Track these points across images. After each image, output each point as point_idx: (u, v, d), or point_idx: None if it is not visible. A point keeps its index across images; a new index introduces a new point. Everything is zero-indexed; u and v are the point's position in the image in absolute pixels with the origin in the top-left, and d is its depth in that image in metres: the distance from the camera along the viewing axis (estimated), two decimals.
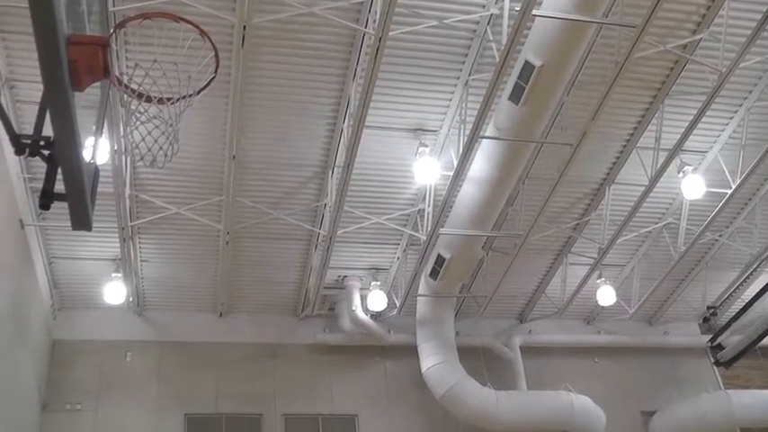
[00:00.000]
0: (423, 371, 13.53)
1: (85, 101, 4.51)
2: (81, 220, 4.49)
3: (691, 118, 10.81)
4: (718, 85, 10.14)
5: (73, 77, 3.73)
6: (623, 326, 15.78)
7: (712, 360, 14.92)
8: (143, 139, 4.05)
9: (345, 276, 14.00)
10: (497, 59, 8.94)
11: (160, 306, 14.11)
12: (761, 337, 13.56)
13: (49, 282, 12.91)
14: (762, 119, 11.66)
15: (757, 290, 14.29)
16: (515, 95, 9.35)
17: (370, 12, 8.94)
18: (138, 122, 3.96)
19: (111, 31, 4.38)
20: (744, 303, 14.51)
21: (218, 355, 13.98)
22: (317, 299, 13.98)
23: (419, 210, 12.25)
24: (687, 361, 15.84)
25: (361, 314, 13.89)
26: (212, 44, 3.81)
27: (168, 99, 3.90)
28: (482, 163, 10.58)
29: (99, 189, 4.93)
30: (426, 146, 11.01)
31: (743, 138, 11.70)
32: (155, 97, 3.88)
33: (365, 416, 14.05)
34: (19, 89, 9.47)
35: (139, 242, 12.61)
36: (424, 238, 11.96)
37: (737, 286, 15.57)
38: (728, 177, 12.01)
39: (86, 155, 4.46)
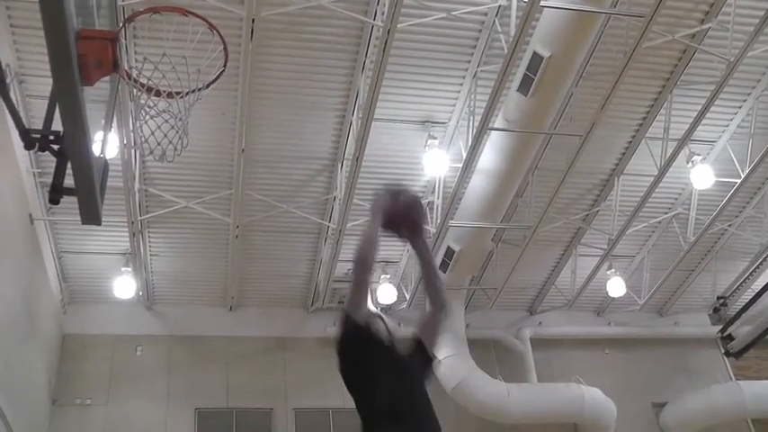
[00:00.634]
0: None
1: (95, 95, 4.52)
2: (91, 215, 4.50)
3: (699, 107, 10.77)
4: (726, 75, 10.09)
5: (82, 72, 3.73)
6: (633, 317, 15.71)
7: (723, 351, 14.83)
8: (152, 133, 4.05)
9: None
10: (506, 51, 8.92)
11: (170, 300, 14.13)
12: None
13: (58, 276, 12.95)
14: None
15: (767, 280, 14.23)
16: (524, 87, 9.33)
17: (378, 4, 8.93)
18: (147, 116, 3.95)
19: (121, 25, 4.38)
20: (754, 293, 14.40)
21: (228, 348, 13.99)
22: (326, 292, 13.97)
23: (428, 202, 12.23)
24: (697, 352, 15.77)
25: (371, 307, 13.86)
26: (221, 38, 3.81)
27: (177, 93, 3.90)
28: (491, 155, 10.55)
29: (108, 183, 4.94)
30: (435, 138, 10.99)
31: (752, 127, 11.64)
32: (164, 91, 3.87)
33: None
34: (28, 83, 9.47)
35: (149, 236, 12.64)
36: (434, 230, 11.94)
37: (747, 276, 15.49)
38: (737, 167, 11.96)
39: (96, 149, 4.47)
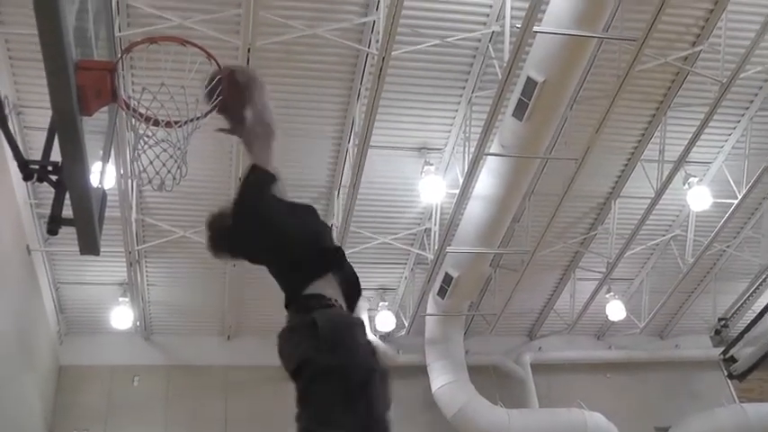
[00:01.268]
0: (433, 390, 13.44)
1: (93, 126, 4.53)
2: (89, 245, 4.49)
3: (694, 129, 10.81)
4: (719, 96, 10.16)
5: (81, 102, 3.75)
6: (634, 340, 15.63)
7: (725, 373, 14.78)
8: (151, 163, 4.05)
9: None
10: (500, 76, 8.98)
11: (168, 330, 14.06)
12: None
13: (55, 307, 12.88)
14: (764, 128, 11.65)
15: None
16: (519, 112, 9.38)
17: (372, 32, 9.00)
18: (146, 146, 3.96)
19: (119, 55, 4.41)
20: (755, 314, 14.39)
21: (226, 378, 13.90)
22: None
23: (426, 229, 12.23)
24: (700, 374, 15.66)
25: (369, 335, 13.79)
26: (219, 66, 3.82)
27: (176, 122, 3.91)
28: (487, 180, 10.58)
29: (105, 213, 4.94)
30: (431, 164, 11.02)
31: (746, 147, 11.70)
32: (162, 121, 3.88)
33: None
34: (27, 115, 9.51)
35: (146, 266, 12.60)
36: (432, 256, 11.93)
37: (748, 297, 15.45)
38: (734, 187, 12.00)
39: (94, 180, 4.47)
